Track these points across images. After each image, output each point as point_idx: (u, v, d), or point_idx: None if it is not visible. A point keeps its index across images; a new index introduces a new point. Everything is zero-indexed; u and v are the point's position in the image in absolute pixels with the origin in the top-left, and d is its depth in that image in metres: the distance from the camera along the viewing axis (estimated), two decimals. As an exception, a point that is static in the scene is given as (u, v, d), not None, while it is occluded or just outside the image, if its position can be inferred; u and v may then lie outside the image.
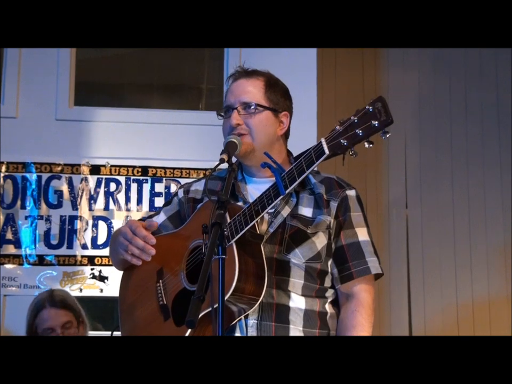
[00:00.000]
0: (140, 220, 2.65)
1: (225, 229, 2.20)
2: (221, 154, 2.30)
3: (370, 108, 2.03)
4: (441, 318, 5.08)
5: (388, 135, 2.03)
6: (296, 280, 2.35)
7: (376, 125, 2.02)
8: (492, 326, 5.03)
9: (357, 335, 2.34)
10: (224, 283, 1.99)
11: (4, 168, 4.32)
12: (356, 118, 2.05)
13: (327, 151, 2.08)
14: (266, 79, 2.48)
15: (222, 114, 2.48)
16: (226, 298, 2.14)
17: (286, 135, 2.52)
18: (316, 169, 2.47)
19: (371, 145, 2.05)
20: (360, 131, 2.04)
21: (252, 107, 2.41)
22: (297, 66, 4.39)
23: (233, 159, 2.38)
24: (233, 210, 2.29)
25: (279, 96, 2.47)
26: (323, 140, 2.10)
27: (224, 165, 2.32)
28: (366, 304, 2.41)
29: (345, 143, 2.05)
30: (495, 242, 5.20)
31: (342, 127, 2.07)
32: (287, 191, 2.18)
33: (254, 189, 2.46)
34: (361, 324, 2.37)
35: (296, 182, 2.16)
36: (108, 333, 3.05)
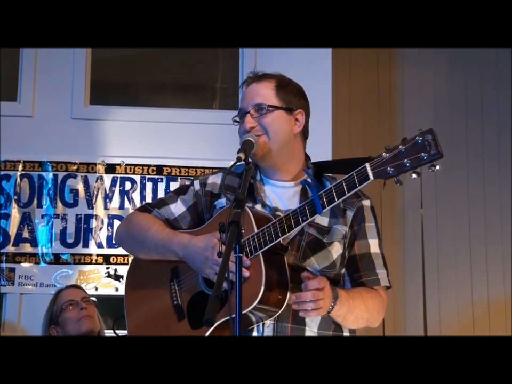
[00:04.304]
0: (149, 203, 2.63)
1: (253, 239, 2.23)
2: (237, 153, 2.30)
3: (420, 139, 2.02)
4: (457, 318, 5.07)
5: (436, 168, 2.02)
6: None
7: (425, 158, 2.01)
8: (508, 325, 5.01)
9: (363, 303, 2.34)
10: (241, 282, 1.99)
11: (20, 167, 4.35)
12: (403, 148, 2.05)
13: (371, 177, 2.09)
14: (277, 81, 2.47)
15: (237, 120, 2.49)
16: (249, 308, 2.16)
17: (304, 135, 2.52)
18: (331, 174, 2.48)
19: (416, 177, 2.05)
20: (408, 162, 2.04)
21: (264, 109, 2.41)
22: (312, 66, 4.38)
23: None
24: (259, 220, 2.29)
25: (291, 95, 2.46)
26: (368, 165, 2.10)
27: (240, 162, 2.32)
28: (383, 298, 2.43)
29: (391, 172, 2.06)
30: (510, 242, 5.18)
31: (389, 154, 2.07)
32: (324, 210, 2.18)
33: (272, 192, 2.47)
34: (372, 299, 2.37)
35: (335, 203, 2.17)
36: (123, 332, 3.06)
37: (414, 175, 2.06)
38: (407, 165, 2.04)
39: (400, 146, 2.06)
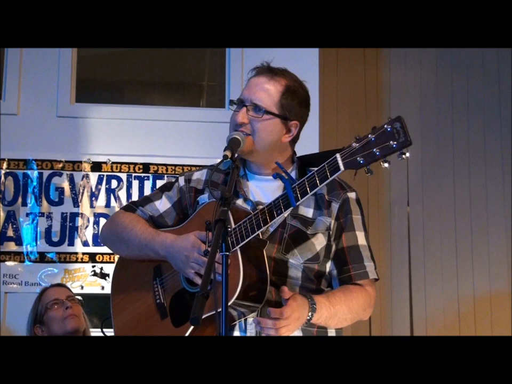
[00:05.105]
0: (134, 202, 2.62)
1: (230, 234, 2.21)
2: (224, 150, 2.28)
3: (389, 127, 2.02)
4: (443, 315, 5.09)
5: (405, 156, 2.02)
6: (294, 281, 2.36)
7: (394, 145, 2.01)
8: (493, 323, 5.04)
9: (346, 305, 2.33)
10: (228, 281, 1.99)
11: (5, 165, 4.32)
12: (373, 137, 2.04)
13: (342, 168, 2.09)
14: (288, 84, 2.42)
15: (235, 103, 2.44)
16: (229, 304, 2.13)
17: (293, 141, 2.49)
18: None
19: (387, 165, 2.04)
20: (378, 150, 2.03)
21: (261, 111, 2.37)
22: (299, 66, 4.33)
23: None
24: (237, 215, 2.27)
25: (294, 104, 2.41)
26: (338, 156, 2.09)
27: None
28: (369, 293, 2.42)
29: (362, 161, 2.05)
30: (496, 239, 5.21)
31: (358, 144, 2.06)
32: (297, 203, 2.18)
33: (255, 186, 2.46)
34: (356, 299, 2.36)
35: (308, 195, 2.16)
36: (108, 330, 3.05)
37: (386, 164, 2.05)
38: (377, 153, 2.03)
39: (370, 135, 2.05)
